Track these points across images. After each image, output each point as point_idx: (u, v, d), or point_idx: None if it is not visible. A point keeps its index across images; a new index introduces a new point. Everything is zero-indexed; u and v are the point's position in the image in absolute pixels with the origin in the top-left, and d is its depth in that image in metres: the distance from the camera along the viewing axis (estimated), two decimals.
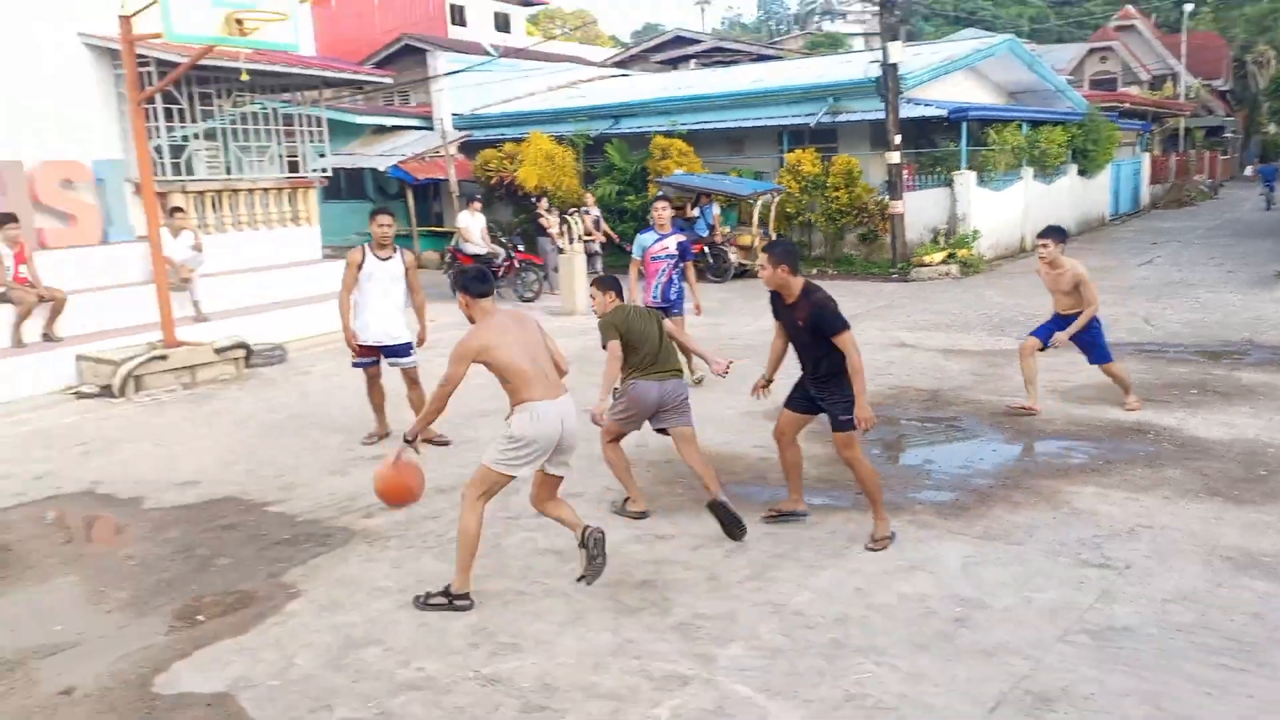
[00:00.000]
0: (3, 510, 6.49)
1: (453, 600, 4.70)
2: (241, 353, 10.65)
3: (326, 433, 8.09)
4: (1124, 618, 4.39)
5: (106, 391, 9.69)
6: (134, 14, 9.30)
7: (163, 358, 9.95)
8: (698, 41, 32.14)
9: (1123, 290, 14.09)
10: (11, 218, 10.20)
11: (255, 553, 5.51)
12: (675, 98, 21.14)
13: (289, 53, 11.18)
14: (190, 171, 12.59)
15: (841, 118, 18.56)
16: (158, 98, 11.15)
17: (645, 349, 5.56)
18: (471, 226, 15.80)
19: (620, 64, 32.39)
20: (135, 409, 9.31)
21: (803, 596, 4.73)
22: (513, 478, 4.67)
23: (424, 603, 4.73)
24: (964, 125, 18.57)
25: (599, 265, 16.41)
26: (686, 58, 30.23)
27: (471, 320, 4.74)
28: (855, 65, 19.81)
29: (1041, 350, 7.82)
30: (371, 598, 4.87)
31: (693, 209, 17.62)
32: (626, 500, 5.84)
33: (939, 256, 17.06)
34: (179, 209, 11.98)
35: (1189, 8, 43.37)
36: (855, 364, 5.02)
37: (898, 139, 17.02)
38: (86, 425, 8.75)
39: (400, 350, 7.31)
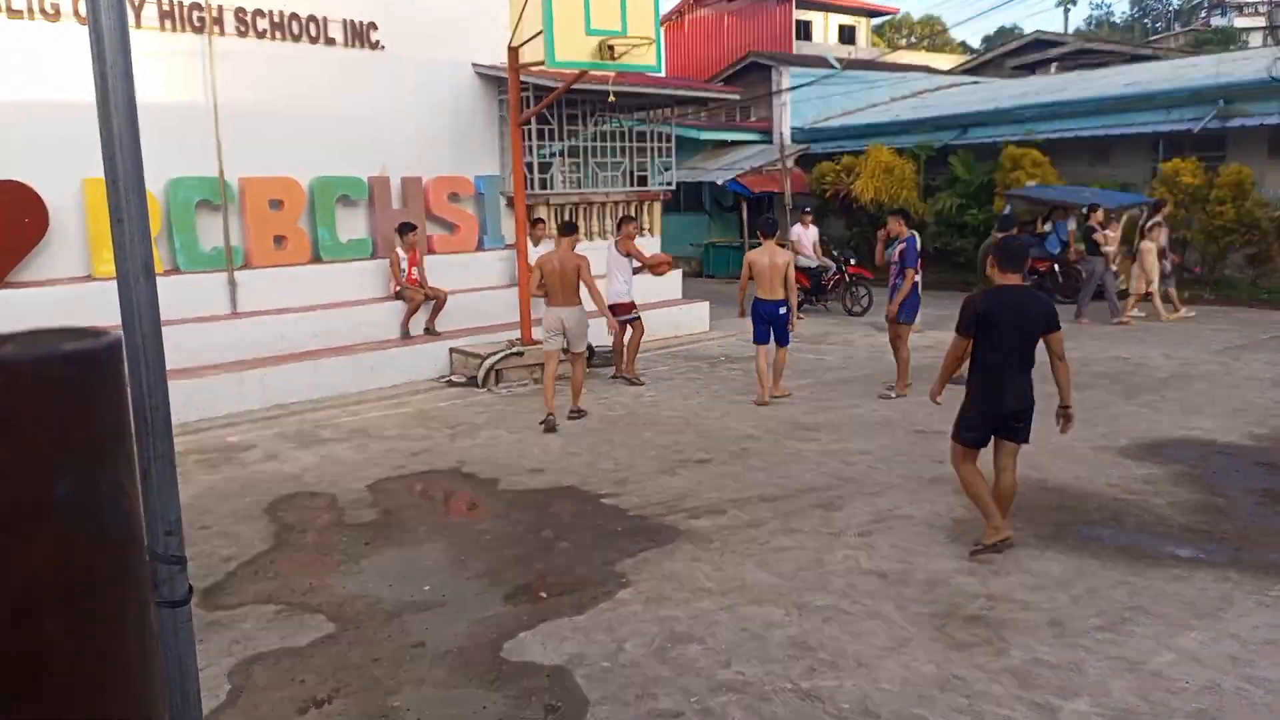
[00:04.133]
0: (387, 480, 7.38)
1: None
2: (585, 353, 11.13)
3: (658, 433, 8.42)
4: None
5: (472, 382, 10.65)
6: (521, 45, 10.17)
7: (519, 354, 10.82)
8: (1060, 44, 29.72)
9: None
10: (412, 226, 11.48)
11: (591, 540, 5.86)
12: (1030, 104, 19.79)
13: (648, 74, 11.56)
14: (552, 186, 13.57)
15: (1233, 122, 16.31)
16: (532, 119, 11.99)
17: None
18: (803, 239, 15.84)
19: (971, 71, 30.88)
20: (494, 398, 10.17)
21: (1164, 657, 4.22)
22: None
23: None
24: None
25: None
26: (1046, 62, 28.06)
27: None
28: (1254, 63, 17.30)
29: None
30: (695, 596, 5.01)
31: (1044, 224, 16.29)
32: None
33: None
34: (540, 220, 12.91)
35: None
36: None
37: None
38: (456, 410, 9.64)
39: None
